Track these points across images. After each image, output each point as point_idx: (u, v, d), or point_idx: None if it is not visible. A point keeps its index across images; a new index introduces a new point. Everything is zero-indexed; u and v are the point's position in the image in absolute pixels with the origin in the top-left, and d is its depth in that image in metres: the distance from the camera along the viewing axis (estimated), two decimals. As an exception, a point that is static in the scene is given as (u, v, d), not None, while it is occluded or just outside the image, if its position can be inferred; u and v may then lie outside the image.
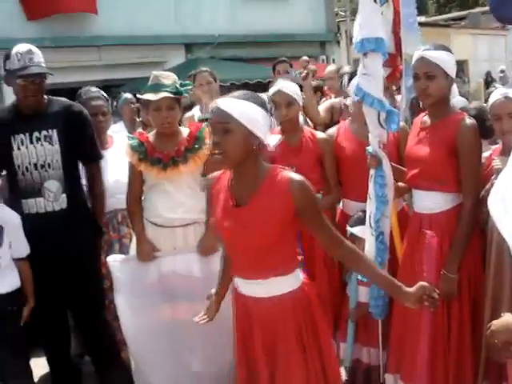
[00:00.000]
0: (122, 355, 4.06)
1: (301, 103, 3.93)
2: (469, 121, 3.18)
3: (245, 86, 10.05)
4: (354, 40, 3.41)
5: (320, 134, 3.97)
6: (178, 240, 3.74)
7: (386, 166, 3.39)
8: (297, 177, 2.48)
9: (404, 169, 3.45)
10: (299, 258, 2.70)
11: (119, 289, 3.72)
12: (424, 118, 3.35)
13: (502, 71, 18.43)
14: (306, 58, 9.86)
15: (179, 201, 3.67)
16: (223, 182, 2.60)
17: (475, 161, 3.16)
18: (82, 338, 4.14)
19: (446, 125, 3.19)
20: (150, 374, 3.74)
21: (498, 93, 3.17)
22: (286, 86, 3.77)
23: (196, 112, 5.23)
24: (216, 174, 2.68)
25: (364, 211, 3.52)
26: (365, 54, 3.31)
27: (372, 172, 3.42)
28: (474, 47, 24.68)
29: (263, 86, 9.29)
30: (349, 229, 3.60)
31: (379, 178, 3.39)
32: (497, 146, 3.37)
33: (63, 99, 3.81)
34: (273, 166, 2.56)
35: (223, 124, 2.40)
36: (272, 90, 3.81)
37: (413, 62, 3.27)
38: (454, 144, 3.13)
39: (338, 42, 19.58)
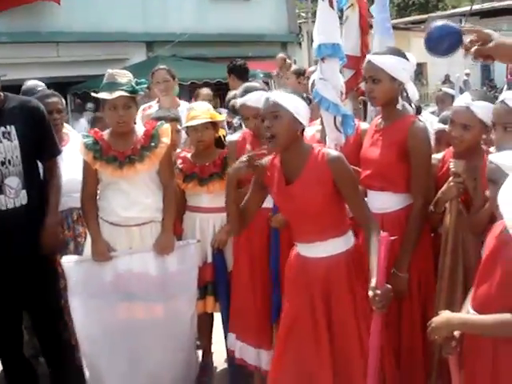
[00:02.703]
0: (80, 355, 4.01)
1: None
2: (419, 123, 3.22)
3: (205, 85, 10.00)
4: (313, 44, 3.43)
5: None
6: (135, 239, 3.71)
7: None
8: (334, 152, 2.93)
9: (360, 170, 3.48)
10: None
11: (73, 290, 3.68)
12: (379, 120, 3.39)
13: (467, 74, 18.64)
14: (282, 55, 9.86)
15: (135, 199, 3.65)
16: (276, 165, 2.97)
17: (425, 162, 3.20)
18: (36, 339, 4.07)
19: (396, 127, 3.22)
20: (104, 373, 3.72)
21: (463, 100, 3.11)
22: (250, 98, 3.67)
23: (155, 110, 5.18)
24: (268, 158, 3.01)
25: None
26: (322, 59, 3.34)
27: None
28: (433, 51, 25.00)
29: (224, 86, 9.27)
30: None
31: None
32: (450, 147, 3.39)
33: (20, 96, 3.75)
34: (314, 146, 2.95)
35: (273, 111, 2.80)
36: (239, 102, 3.75)
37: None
38: (404, 146, 3.17)
39: (300, 44, 19.70)
